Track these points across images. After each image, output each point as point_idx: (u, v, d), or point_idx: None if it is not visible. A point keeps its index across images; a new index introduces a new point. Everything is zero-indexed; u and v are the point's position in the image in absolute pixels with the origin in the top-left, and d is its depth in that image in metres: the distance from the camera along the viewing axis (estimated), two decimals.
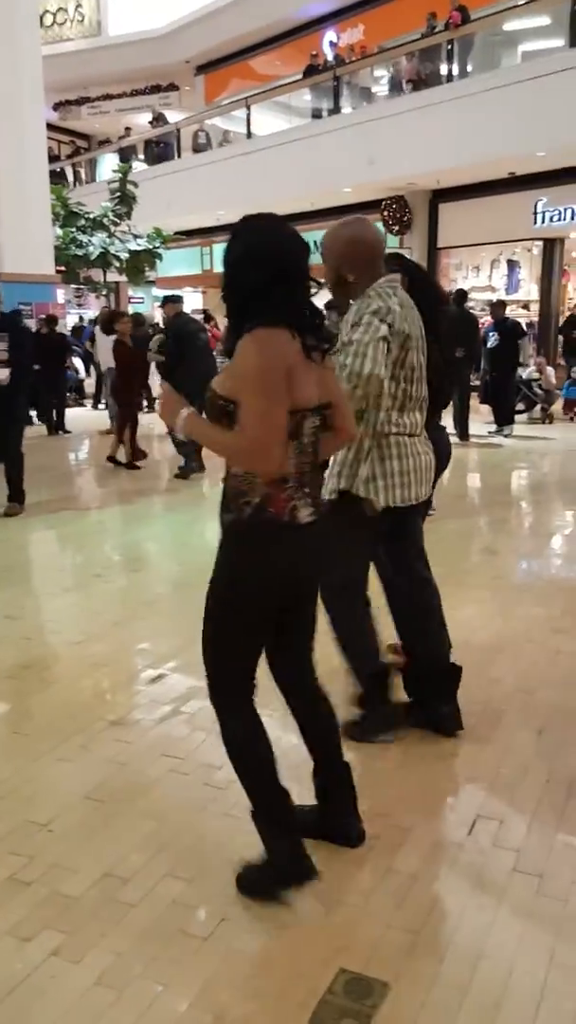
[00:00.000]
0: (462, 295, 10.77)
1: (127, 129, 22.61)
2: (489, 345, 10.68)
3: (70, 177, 22.15)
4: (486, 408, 11.38)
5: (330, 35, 18.70)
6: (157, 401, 2.18)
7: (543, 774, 2.79)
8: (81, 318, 18.00)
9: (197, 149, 18.87)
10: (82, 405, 15.48)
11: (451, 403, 9.99)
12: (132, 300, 21.91)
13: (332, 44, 18.24)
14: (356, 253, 2.71)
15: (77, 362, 16.16)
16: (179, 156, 19.37)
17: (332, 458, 2.79)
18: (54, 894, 2.21)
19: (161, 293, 17.57)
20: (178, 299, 8.95)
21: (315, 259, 2.14)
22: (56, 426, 12.06)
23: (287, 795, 2.21)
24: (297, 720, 2.38)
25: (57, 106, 24.02)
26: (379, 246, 2.81)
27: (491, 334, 10.75)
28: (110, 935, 2.06)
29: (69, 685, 3.58)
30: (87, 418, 13.76)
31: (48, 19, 22.49)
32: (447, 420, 3.85)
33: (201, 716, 3.25)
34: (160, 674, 3.65)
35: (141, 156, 20.28)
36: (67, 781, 2.77)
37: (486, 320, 12.43)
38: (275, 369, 1.94)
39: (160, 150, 19.93)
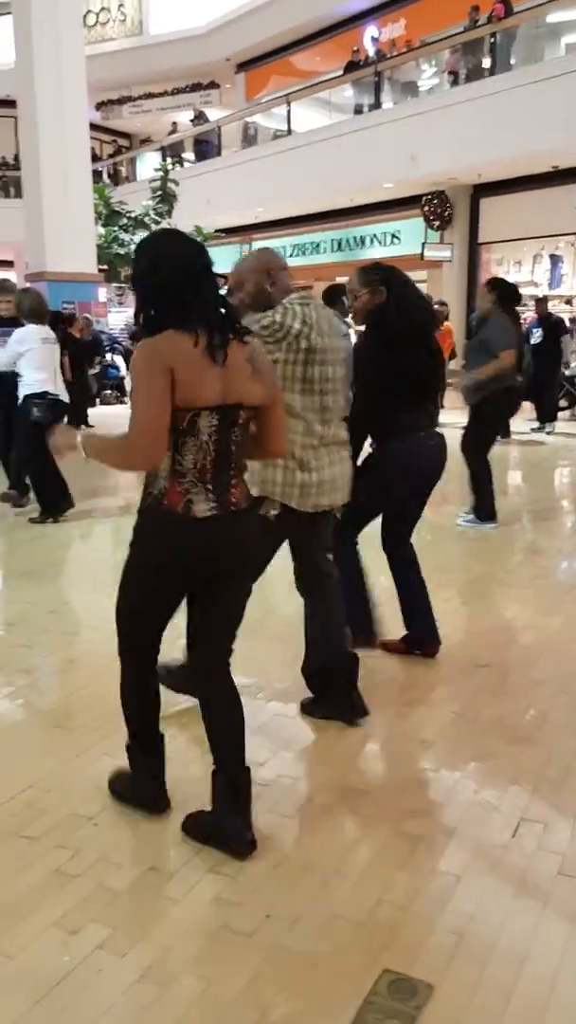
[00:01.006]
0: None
1: (174, 124, 22.67)
2: (533, 341, 10.57)
3: (107, 176, 22.32)
4: (528, 405, 11.25)
5: (371, 30, 18.62)
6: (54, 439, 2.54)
7: None
8: None
9: (247, 142, 18.92)
10: (123, 403, 15.61)
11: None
12: None
13: (373, 39, 18.15)
14: (275, 267, 2.90)
15: (119, 360, 16.29)
16: (220, 154, 19.44)
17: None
18: (100, 888, 2.24)
19: None
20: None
21: None
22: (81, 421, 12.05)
23: (160, 739, 2.57)
24: (204, 718, 2.49)
25: (99, 106, 24.23)
26: (286, 266, 2.99)
27: (535, 331, 10.64)
28: (154, 930, 2.08)
29: (112, 680, 3.56)
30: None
31: (91, 19, 22.68)
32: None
33: (245, 711, 3.26)
34: None
35: (190, 153, 20.32)
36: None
37: (528, 316, 12.29)
38: (152, 370, 2.09)
39: (202, 148, 20.03)
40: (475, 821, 2.53)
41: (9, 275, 16.90)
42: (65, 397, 6.37)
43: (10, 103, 15.83)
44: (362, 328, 3.54)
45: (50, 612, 4.50)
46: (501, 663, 3.70)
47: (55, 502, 6.45)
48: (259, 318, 2.76)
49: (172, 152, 19.84)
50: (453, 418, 11.80)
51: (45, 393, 6.15)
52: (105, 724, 3.15)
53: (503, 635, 4.14)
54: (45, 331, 6.32)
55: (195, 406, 2.13)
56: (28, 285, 7.11)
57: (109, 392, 15.44)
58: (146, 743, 2.57)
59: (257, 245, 21.18)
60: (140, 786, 2.59)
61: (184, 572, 2.31)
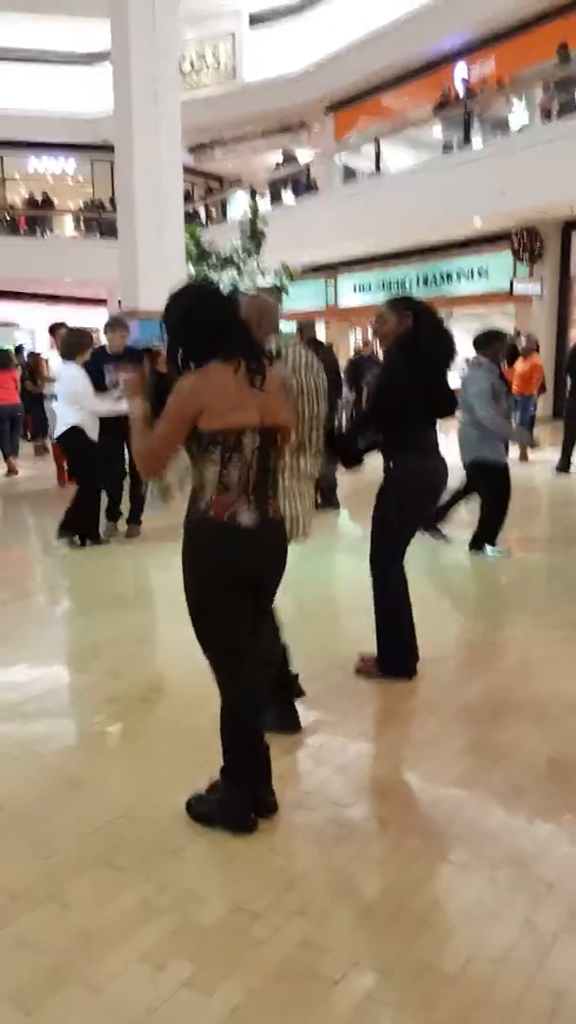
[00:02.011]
0: None
1: (278, 164, 22.91)
2: None
3: (204, 215, 22.87)
4: None
5: (461, 69, 18.69)
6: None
7: None
8: None
9: (348, 176, 19.25)
10: None
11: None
12: None
13: (464, 80, 18.21)
14: (265, 312, 3.14)
15: None
16: (308, 192, 19.74)
17: None
18: (186, 923, 2.22)
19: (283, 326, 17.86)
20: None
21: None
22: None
23: (257, 760, 2.64)
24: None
25: (192, 149, 24.94)
26: (273, 310, 3.22)
27: None
28: (241, 970, 2.04)
29: (198, 710, 3.58)
30: None
31: (186, 67, 23.43)
32: None
33: (326, 750, 3.22)
34: None
35: (290, 192, 20.61)
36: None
37: None
38: (189, 401, 2.37)
39: (295, 187, 20.36)
40: (573, 875, 2.42)
41: (101, 312, 17.48)
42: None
43: (107, 148, 16.46)
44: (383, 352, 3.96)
45: (138, 640, 4.56)
46: None
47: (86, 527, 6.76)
48: None
49: (272, 191, 20.19)
50: (546, 455, 11.58)
51: None
52: (193, 756, 3.15)
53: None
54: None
55: (239, 426, 2.40)
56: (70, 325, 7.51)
57: None
58: (242, 765, 2.63)
59: (343, 280, 21.38)
60: (230, 808, 2.63)
61: (237, 576, 2.48)
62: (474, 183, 14.29)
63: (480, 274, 17.94)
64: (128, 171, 12.82)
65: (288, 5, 22.13)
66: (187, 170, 20.28)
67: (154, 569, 6.30)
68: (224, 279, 15.64)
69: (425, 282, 19.44)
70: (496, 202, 14.17)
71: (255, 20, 23.15)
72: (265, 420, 2.46)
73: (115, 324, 6.97)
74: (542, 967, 2.05)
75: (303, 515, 3.19)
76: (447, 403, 3.91)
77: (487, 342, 6.08)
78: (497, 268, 17.23)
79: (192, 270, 15.24)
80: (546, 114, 14.71)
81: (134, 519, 7.02)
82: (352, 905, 2.28)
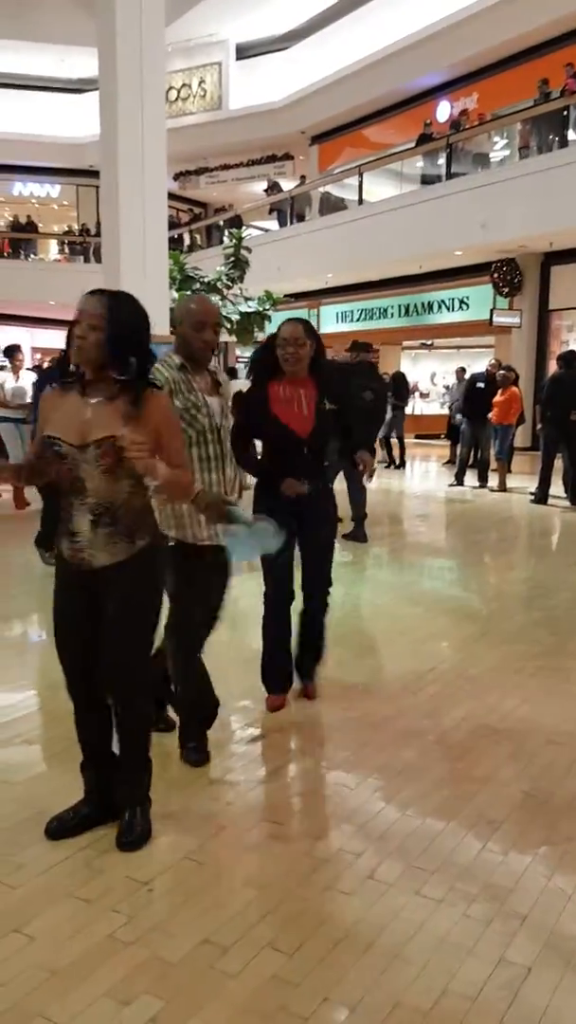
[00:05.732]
0: (571, 356, 10.60)
1: (267, 189, 23.03)
2: None
3: (188, 243, 22.99)
4: None
5: (444, 104, 19.03)
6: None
7: None
8: None
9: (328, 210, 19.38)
10: None
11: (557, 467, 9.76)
12: (239, 359, 22.47)
13: (447, 114, 18.54)
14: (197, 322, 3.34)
15: None
16: (292, 223, 19.94)
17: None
18: (153, 957, 2.17)
19: None
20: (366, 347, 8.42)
21: None
22: None
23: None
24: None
25: (177, 176, 25.16)
26: (196, 321, 3.33)
27: None
28: (208, 1007, 2.00)
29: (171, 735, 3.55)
30: None
31: (172, 95, 23.70)
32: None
33: (301, 782, 3.19)
34: (259, 734, 3.60)
35: (273, 222, 20.64)
36: (167, 839, 2.73)
37: None
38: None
39: (277, 217, 20.56)
40: (547, 909, 2.39)
41: None
42: None
43: (93, 173, 16.59)
44: None
45: None
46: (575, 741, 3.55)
47: None
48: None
49: (281, 221, 20.28)
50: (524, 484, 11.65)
51: None
52: (161, 782, 3.10)
53: None
54: None
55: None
56: None
57: None
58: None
59: (326, 310, 21.54)
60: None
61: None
62: (455, 216, 14.50)
63: (461, 305, 18.16)
64: (113, 196, 12.89)
65: (274, 37, 22.48)
66: (172, 196, 20.44)
67: None
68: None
69: (406, 312, 19.65)
70: (477, 234, 14.36)
71: (241, 51, 23.49)
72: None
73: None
74: (514, 1003, 2.02)
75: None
76: None
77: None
78: (478, 299, 17.44)
79: (176, 295, 15.32)
80: (526, 149, 14.98)
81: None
82: (324, 939, 2.24)
